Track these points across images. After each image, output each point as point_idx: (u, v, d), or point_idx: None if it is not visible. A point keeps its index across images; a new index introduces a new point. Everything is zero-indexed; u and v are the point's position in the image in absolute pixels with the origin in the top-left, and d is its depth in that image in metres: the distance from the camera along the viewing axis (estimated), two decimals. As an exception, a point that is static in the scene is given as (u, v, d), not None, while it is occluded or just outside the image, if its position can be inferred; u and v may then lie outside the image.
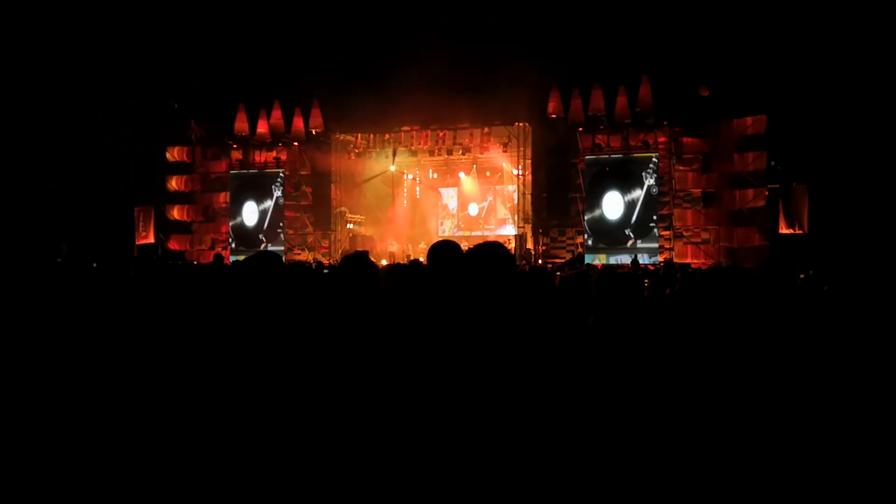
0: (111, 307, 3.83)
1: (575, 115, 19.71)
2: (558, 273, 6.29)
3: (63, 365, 2.61)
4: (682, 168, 19.40)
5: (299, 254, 22.15)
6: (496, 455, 1.81)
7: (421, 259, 4.17)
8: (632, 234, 19.50)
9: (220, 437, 2.18)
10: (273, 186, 22.85)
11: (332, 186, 22.36)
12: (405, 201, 24.25)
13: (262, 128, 22.47)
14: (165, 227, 23.23)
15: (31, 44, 19.23)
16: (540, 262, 19.11)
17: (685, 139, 19.37)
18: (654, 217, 19.28)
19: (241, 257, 3.41)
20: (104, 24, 18.72)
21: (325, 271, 9.04)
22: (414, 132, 21.49)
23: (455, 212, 24.06)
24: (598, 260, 19.32)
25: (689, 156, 19.39)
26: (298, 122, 22.17)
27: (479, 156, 22.06)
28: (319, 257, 21.30)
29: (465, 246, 2.90)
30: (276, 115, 22.36)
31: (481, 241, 2.63)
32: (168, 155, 23.36)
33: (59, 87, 19.06)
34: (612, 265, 17.56)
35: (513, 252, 19.42)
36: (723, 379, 1.79)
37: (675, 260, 18.41)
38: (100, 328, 3.28)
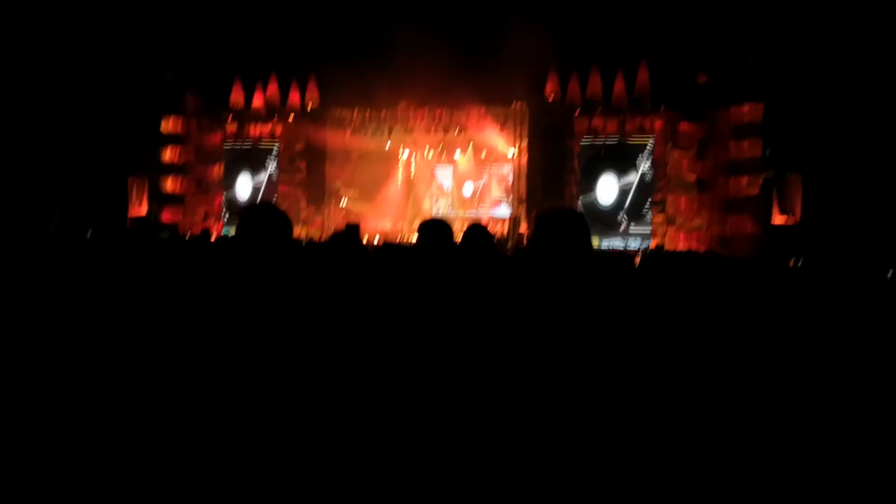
0: (108, 281, 3.83)
1: (572, 98, 19.66)
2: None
3: (58, 347, 2.61)
4: (677, 154, 19.39)
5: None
6: (496, 456, 1.83)
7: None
8: (625, 218, 19.53)
9: (220, 438, 2.20)
10: (267, 160, 22.71)
11: (327, 162, 22.25)
12: (399, 179, 24.18)
13: (257, 100, 22.27)
14: (158, 199, 23.04)
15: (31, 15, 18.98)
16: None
17: (682, 125, 19.33)
18: (648, 202, 19.30)
19: (233, 231, 3.36)
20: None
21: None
22: (411, 109, 21.38)
23: (450, 191, 24.01)
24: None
25: (685, 142, 19.37)
26: (294, 97, 22.00)
27: (476, 135, 21.96)
28: (312, 233, 21.26)
29: (459, 225, 2.92)
30: (272, 88, 22.16)
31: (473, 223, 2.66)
32: (163, 125, 23.11)
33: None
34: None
35: (506, 235, 19.43)
36: (721, 376, 1.82)
37: (667, 246, 18.45)
38: (97, 302, 3.27)
